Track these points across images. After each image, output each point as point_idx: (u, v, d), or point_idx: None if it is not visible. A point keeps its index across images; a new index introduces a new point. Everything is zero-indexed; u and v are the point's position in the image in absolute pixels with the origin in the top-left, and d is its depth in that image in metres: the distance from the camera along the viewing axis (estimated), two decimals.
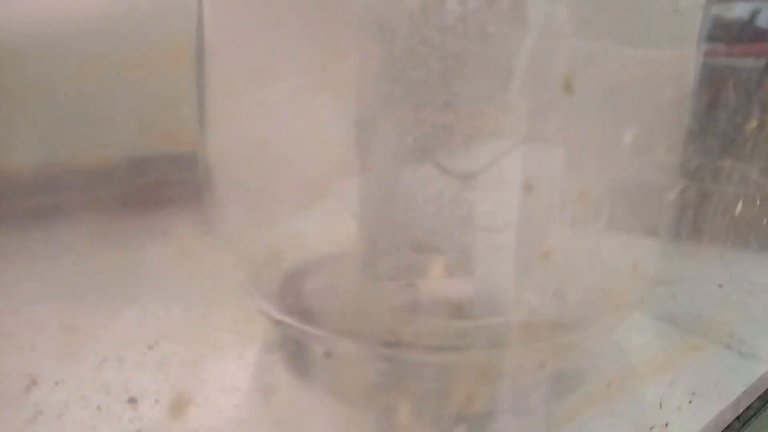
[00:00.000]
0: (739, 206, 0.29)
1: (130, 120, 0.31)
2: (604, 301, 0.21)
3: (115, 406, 0.19)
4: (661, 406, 0.21)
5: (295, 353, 0.22)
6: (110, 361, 0.21)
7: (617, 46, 0.20)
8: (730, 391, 0.23)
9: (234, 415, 0.20)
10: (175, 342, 0.23)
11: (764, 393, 0.24)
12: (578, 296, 0.21)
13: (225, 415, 0.20)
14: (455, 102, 0.21)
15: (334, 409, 0.21)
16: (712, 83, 0.30)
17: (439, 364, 0.20)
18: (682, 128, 0.24)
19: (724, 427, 0.22)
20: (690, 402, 0.22)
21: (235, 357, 0.22)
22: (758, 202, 0.30)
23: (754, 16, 0.34)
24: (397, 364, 0.20)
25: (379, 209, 0.22)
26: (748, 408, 0.23)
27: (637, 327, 0.24)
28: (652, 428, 0.21)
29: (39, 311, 0.25)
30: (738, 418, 0.23)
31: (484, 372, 0.19)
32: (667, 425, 0.21)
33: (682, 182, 0.24)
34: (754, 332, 0.26)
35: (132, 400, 0.20)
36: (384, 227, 0.22)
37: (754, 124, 0.29)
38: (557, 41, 0.21)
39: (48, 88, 0.31)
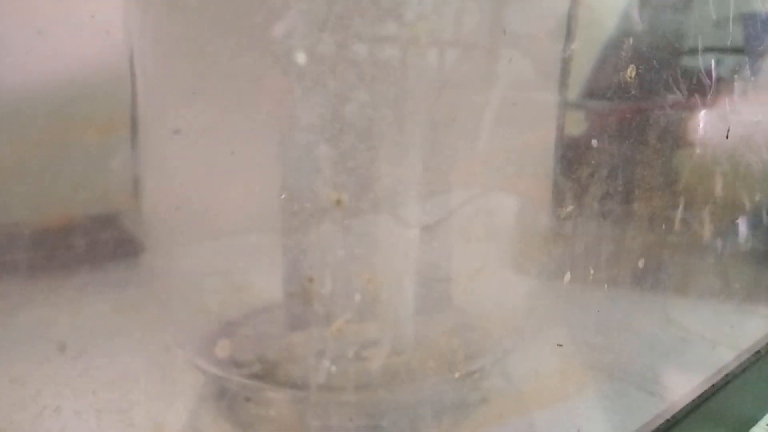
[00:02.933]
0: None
1: (90, 180, 0.34)
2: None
3: None
4: None
5: (221, 399, 0.24)
6: (49, 409, 0.23)
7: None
8: (622, 427, 0.25)
9: None
10: (113, 392, 0.25)
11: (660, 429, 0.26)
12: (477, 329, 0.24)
13: None
14: (412, 155, 0.23)
15: None
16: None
17: (351, 402, 0.23)
18: (548, 172, 0.27)
19: None
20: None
21: (167, 405, 0.24)
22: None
23: (711, 68, 0.36)
24: (310, 406, 0.22)
25: (307, 260, 0.24)
26: None
27: (533, 359, 0.26)
28: None
29: None
30: None
31: (384, 407, 0.21)
32: None
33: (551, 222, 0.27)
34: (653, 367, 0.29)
35: None
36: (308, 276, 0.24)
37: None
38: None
39: (11, 151, 0.33)
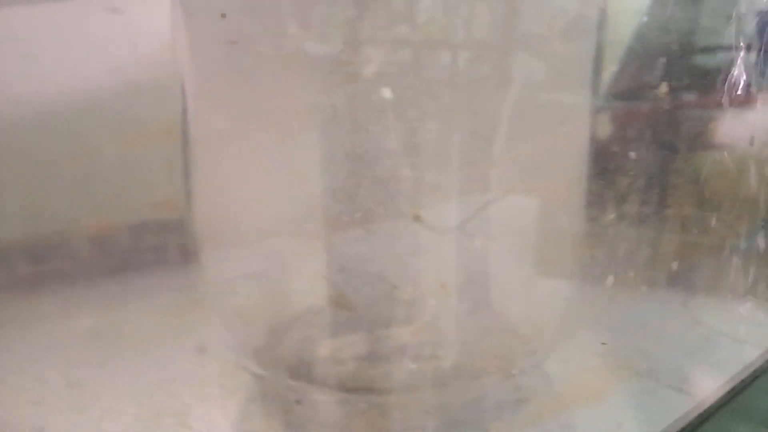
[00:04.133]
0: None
1: (128, 190, 0.35)
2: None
3: None
4: None
5: (272, 402, 0.25)
6: (110, 413, 0.24)
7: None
8: (658, 423, 0.26)
9: None
10: (167, 395, 0.26)
11: (688, 427, 0.26)
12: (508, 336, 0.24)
13: None
14: (438, 157, 0.24)
15: None
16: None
17: (393, 404, 0.24)
18: (581, 178, 0.27)
19: None
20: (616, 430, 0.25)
21: (220, 407, 0.25)
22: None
23: (726, 66, 0.36)
24: (359, 407, 0.23)
25: (355, 265, 0.25)
26: None
27: (570, 361, 0.27)
28: None
29: (45, 369, 0.28)
30: None
31: (428, 409, 0.22)
32: None
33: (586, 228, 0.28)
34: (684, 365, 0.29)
35: None
36: (359, 281, 0.25)
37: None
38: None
39: (53, 164, 0.34)
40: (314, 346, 0.25)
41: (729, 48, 0.36)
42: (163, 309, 0.31)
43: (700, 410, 0.28)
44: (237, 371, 0.27)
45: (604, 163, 0.32)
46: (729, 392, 0.30)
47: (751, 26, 0.36)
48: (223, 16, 0.23)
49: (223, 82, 0.25)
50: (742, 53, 0.36)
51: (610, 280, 0.30)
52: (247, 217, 0.26)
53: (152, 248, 0.34)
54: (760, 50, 0.36)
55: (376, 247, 0.24)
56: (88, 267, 0.34)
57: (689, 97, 0.36)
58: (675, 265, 0.35)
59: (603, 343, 0.27)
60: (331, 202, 0.24)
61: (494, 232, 0.25)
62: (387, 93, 0.22)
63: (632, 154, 0.33)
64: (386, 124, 0.23)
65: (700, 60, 0.37)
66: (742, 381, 0.31)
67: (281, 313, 0.26)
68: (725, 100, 0.35)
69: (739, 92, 0.36)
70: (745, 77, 0.34)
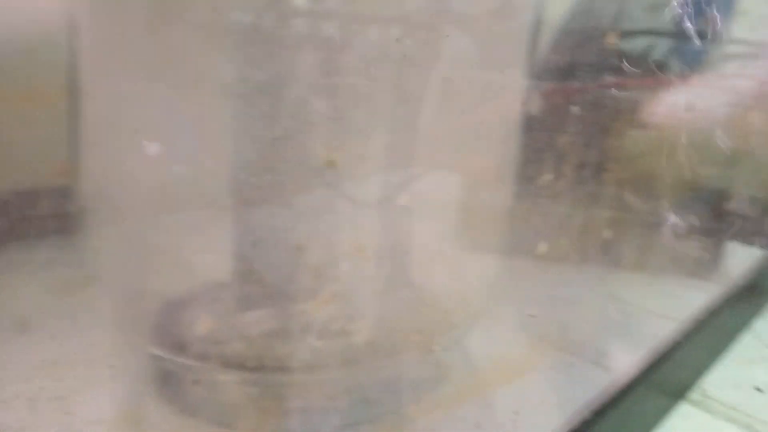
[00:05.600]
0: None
1: (18, 154, 0.31)
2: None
3: None
4: (507, 412, 0.23)
5: (166, 383, 0.23)
6: None
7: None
8: (576, 400, 0.25)
9: None
10: (49, 378, 0.23)
11: (607, 402, 0.26)
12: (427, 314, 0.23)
13: None
14: (361, 131, 0.22)
15: None
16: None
17: (301, 383, 0.22)
18: (512, 155, 0.27)
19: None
20: (537, 407, 0.24)
21: (108, 390, 0.23)
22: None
23: (648, 50, 0.37)
24: (262, 387, 0.22)
25: (253, 241, 0.23)
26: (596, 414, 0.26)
27: (490, 338, 0.26)
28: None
29: None
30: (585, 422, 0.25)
31: (345, 386, 0.21)
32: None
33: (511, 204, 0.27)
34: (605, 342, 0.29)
35: None
36: (259, 258, 0.23)
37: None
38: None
39: None
40: (213, 322, 0.22)
41: (658, 32, 0.36)
42: (48, 284, 0.28)
43: (620, 384, 0.28)
44: (129, 351, 0.24)
45: (530, 141, 0.31)
46: (645, 366, 0.30)
47: (676, 13, 0.37)
48: None
49: (129, 42, 0.23)
50: (670, 38, 0.36)
51: (534, 252, 0.30)
52: (144, 189, 0.23)
53: (41, 218, 0.31)
54: (677, 35, 0.37)
55: (288, 221, 0.22)
56: None
57: (619, 77, 0.36)
58: (596, 241, 0.34)
59: (531, 316, 0.26)
60: (244, 174, 0.22)
61: (417, 206, 0.24)
62: (311, 66, 0.20)
63: (560, 132, 0.33)
64: (308, 97, 0.21)
65: (630, 43, 0.37)
66: (661, 354, 0.31)
67: (179, 289, 0.24)
68: (651, 81, 0.35)
69: (665, 74, 0.36)
70: (671, 60, 0.34)
